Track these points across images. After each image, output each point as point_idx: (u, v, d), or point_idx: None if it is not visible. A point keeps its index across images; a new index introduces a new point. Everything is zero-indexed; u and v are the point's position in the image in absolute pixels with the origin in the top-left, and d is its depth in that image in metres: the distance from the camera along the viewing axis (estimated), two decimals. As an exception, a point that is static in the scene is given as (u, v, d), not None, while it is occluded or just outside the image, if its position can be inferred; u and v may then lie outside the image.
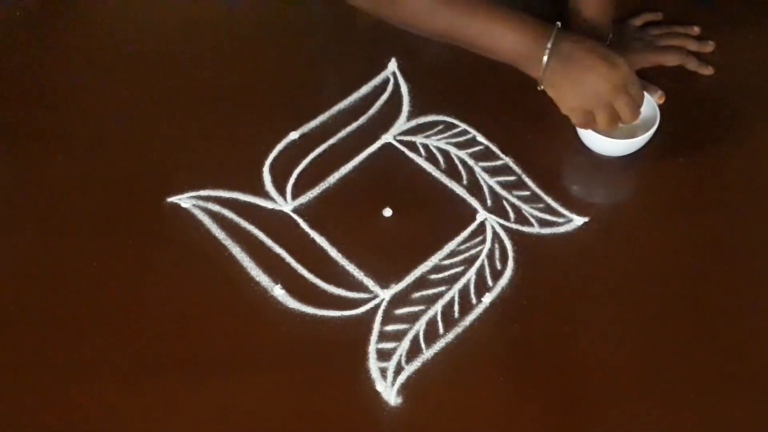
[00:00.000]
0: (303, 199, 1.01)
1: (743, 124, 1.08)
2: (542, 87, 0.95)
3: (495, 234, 0.98)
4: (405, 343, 0.91)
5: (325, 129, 1.07)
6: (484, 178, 1.03)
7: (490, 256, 0.97)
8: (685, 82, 1.10)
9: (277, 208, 1.01)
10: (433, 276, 0.96)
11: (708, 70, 1.11)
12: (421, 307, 0.93)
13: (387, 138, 1.07)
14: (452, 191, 1.02)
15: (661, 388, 0.88)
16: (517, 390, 0.88)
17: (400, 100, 1.10)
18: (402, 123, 1.08)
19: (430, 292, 0.94)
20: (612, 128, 0.97)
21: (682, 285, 0.95)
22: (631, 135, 1.03)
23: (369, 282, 0.95)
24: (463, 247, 0.98)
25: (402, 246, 0.98)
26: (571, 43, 0.93)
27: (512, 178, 1.03)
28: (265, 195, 1.02)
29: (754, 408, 0.87)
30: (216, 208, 1.01)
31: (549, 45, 0.93)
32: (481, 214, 1.00)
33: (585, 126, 0.98)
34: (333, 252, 0.97)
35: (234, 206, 1.01)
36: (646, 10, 1.16)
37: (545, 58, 0.93)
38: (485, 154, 1.05)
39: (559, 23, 0.95)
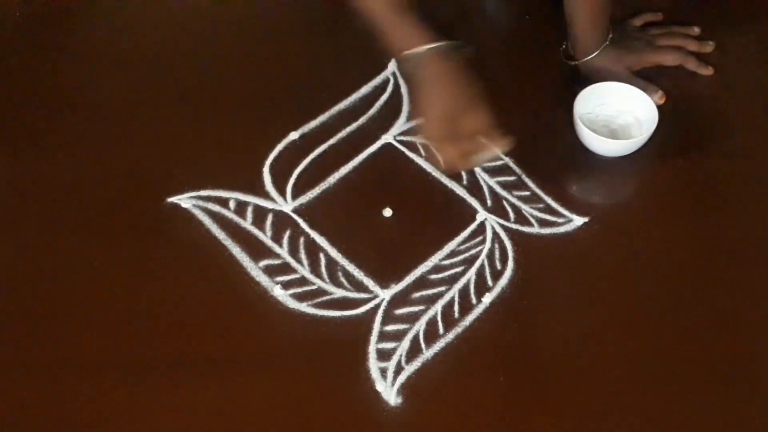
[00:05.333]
0: (303, 199, 1.01)
1: (743, 124, 1.08)
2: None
3: (495, 234, 0.98)
4: (405, 343, 0.91)
5: (325, 129, 1.07)
6: (484, 178, 1.03)
7: (490, 256, 0.97)
8: (685, 82, 1.10)
9: (277, 208, 1.01)
10: (433, 276, 0.96)
11: (708, 70, 1.11)
12: (421, 307, 0.93)
13: (387, 138, 1.07)
14: (452, 191, 1.02)
15: (661, 387, 0.88)
16: (517, 390, 0.88)
17: (400, 100, 1.10)
18: (402, 123, 1.08)
19: (430, 292, 0.94)
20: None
21: (681, 284, 0.95)
22: (630, 135, 1.03)
23: (369, 282, 0.95)
24: (463, 247, 0.98)
25: (402, 246, 0.98)
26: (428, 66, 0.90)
27: (512, 178, 1.03)
28: (265, 195, 1.02)
29: (755, 408, 0.87)
30: (216, 208, 1.01)
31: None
32: (481, 214, 1.00)
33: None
34: (333, 252, 0.97)
35: (234, 206, 1.01)
36: (646, 10, 1.16)
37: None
38: (485, 154, 1.05)
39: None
